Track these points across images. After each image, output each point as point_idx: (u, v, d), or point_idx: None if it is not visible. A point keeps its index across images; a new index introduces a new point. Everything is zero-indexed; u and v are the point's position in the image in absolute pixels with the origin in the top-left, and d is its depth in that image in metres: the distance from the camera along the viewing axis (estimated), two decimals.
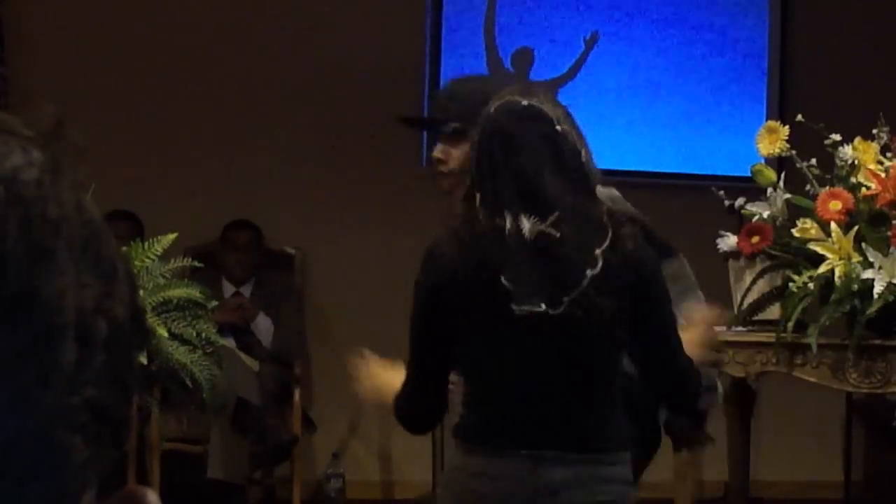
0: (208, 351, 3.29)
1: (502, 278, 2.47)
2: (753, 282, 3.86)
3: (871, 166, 3.81)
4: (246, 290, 5.96)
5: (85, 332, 0.51)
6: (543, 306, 2.47)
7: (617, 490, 2.59)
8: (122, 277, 0.54)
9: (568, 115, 2.69)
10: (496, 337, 2.53)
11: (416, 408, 2.70)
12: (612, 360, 2.60)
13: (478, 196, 2.55)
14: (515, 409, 2.55)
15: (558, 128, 2.62)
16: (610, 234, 2.55)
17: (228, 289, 5.92)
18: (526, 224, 2.50)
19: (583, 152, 2.65)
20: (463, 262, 2.53)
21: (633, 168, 6.47)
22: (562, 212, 2.52)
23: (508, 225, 2.49)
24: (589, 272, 2.50)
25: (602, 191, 2.88)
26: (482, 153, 2.57)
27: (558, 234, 2.50)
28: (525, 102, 2.62)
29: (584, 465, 2.55)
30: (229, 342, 5.40)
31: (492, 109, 2.60)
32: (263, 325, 5.87)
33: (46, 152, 0.53)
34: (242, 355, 5.65)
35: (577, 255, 2.51)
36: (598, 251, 2.52)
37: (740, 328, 3.93)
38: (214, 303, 3.51)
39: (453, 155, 3.03)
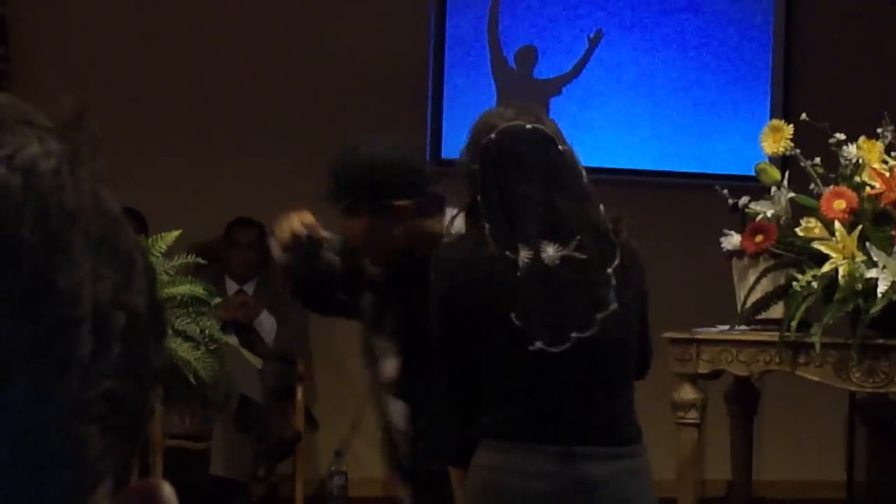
0: (211, 348, 3.29)
1: (514, 315, 2.48)
2: (757, 281, 3.86)
3: (876, 165, 3.80)
4: (249, 288, 5.96)
5: (101, 323, 0.51)
6: (571, 335, 2.50)
7: (645, 481, 2.63)
8: (140, 269, 0.54)
9: (560, 130, 2.69)
10: (520, 353, 2.52)
11: (447, 423, 2.61)
12: (632, 356, 2.65)
13: (487, 227, 2.53)
14: (546, 406, 2.54)
15: (560, 147, 2.63)
16: (618, 245, 2.59)
17: (232, 286, 5.92)
18: (549, 251, 2.50)
19: (581, 169, 2.65)
20: (473, 285, 2.53)
21: (636, 167, 6.47)
22: (582, 235, 2.54)
23: (526, 258, 2.49)
24: (613, 287, 2.55)
25: None
26: (490, 182, 2.55)
27: (584, 257, 2.53)
28: (529, 126, 2.61)
29: (617, 459, 2.57)
30: (232, 339, 5.40)
31: (494, 135, 2.57)
32: (266, 323, 5.87)
33: (65, 143, 0.52)
34: (245, 353, 5.65)
35: (604, 274, 2.54)
36: (614, 264, 2.56)
37: (744, 327, 3.93)
38: (218, 300, 3.50)
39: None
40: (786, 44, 6.60)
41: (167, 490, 0.54)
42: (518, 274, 2.49)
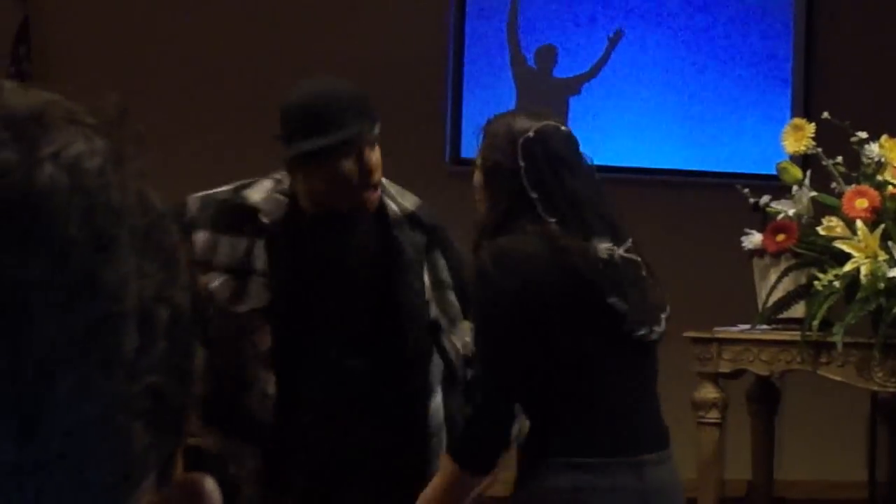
0: None
1: (615, 300, 2.47)
2: (778, 280, 3.85)
3: None
4: None
5: (146, 319, 0.51)
6: (653, 328, 2.53)
7: (679, 477, 2.66)
8: (182, 266, 0.54)
9: None
10: (601, 354, 2.50)
11: (495, 433, 2.51)
12: None
13: (553, 220, 2.49)
14: (616, 419, 2.52)
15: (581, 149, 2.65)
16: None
17: None
18: (616, 250, 2.51)
19: None
20: (556, 275, 2.46)
21: (657, 166, 6.46)
22: (631, 238, 2.56)
23: (606, 249, 2.49)
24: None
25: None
26: (547, 178, 2.52)
27: (638, 259, 2.56)
28: (563, 128, 2.62)
29: (669, 461, 2.59)
30: None
31: (532, 134, 2.55)
32: None
33: (109, 141, 0.53)
34: None
35: (652, 276, 2.59)
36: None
37: (765, 326, 3.93)
38: None
39: (346, 169, 2.72)
40: (807, 42, 6.58)
41: (210, 485, 0.54)
42: (606, 263, 2.48)
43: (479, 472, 2.55)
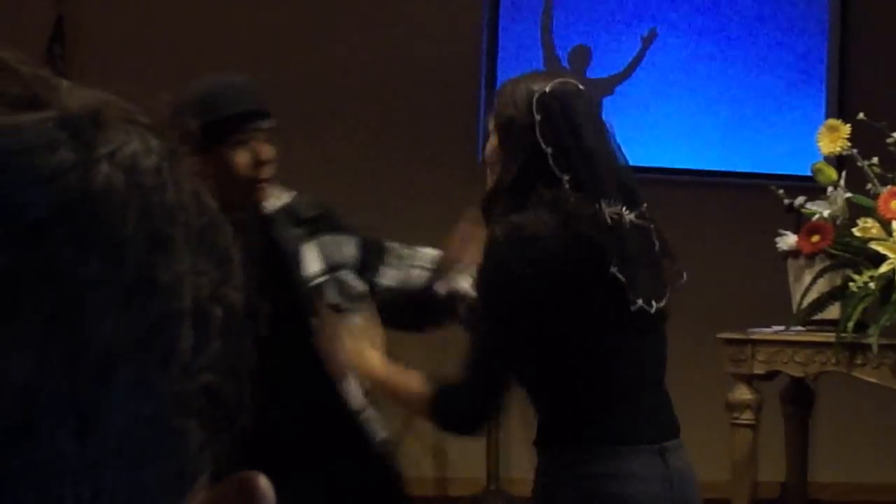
0: None
1: (615, 270, 2.38)
2: (813, 281, 3.83)
3: None
4: None
5: (201, 318, 0.52)
6: (654, 302, 2.44)
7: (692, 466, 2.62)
8: (236, 265, 0.55)
9: None
10: (613, 330, 2.43)
11: (483, 407, 2.47)
12: None
13: (567, 177, 2.41)
14: (638, 403, 2.47)
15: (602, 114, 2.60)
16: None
17: None
18: (627, 215, 2.43)
19: None
20: (568, 248, 2.38)
21: (691, 167, 6.44)
22: (646, 203, 2.49)
23: (612, 213, 2.40)
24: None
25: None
26: (563, 132, 2.44)
27: (651, 227, 2.48)
28: (581, 86, 2.54)
29: (683, 449, 2.54)
30: None
31: (548, 88, 2.47)
32: None
33: (164, 140, 0.53)
34: None
35: (663, 248, 2.50)
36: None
37: (799, 328, 3.91)
38: None
39: (240, 163, 2.74)
40: (841, 42, 6.55)
41: (263, 482, 0.55)
42: (612, 228, 2.39)
43: (449, 430, 2.59)
